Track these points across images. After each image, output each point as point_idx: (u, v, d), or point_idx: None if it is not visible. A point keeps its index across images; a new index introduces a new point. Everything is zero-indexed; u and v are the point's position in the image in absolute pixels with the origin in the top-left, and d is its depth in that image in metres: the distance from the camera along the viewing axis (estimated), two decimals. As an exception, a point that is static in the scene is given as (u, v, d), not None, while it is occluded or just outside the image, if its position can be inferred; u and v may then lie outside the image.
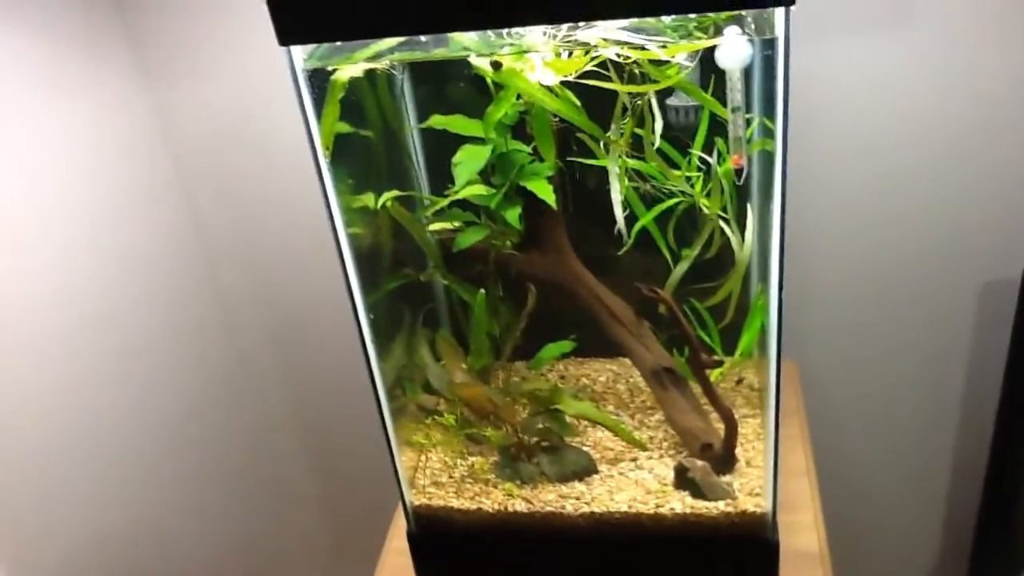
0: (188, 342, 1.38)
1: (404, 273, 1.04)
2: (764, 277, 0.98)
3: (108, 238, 1.21)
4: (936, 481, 1.50)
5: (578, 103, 0.84)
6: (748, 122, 0.81)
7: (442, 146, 0.96)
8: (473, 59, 0.80)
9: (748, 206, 0.96)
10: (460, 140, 0.94)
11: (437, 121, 0.95)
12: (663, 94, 0.91)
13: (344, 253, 0.84)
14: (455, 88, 0.96)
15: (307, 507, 1.69)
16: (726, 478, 0.97)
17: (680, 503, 0.95)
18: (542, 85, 0.81)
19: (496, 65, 0.79)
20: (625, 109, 0.88)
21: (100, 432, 1.21)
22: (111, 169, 1.22)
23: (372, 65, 0.81)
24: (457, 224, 0.99)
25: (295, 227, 1.36)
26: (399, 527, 1.12)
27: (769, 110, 0.74)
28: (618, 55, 0.79)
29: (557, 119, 0.87)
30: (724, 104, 0.82)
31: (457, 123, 0.94)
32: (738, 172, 0.84)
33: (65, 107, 1.15)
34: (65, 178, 1.15)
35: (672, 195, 0.95)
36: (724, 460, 0.97)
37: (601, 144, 0.92)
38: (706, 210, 0.95)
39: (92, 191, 1.19)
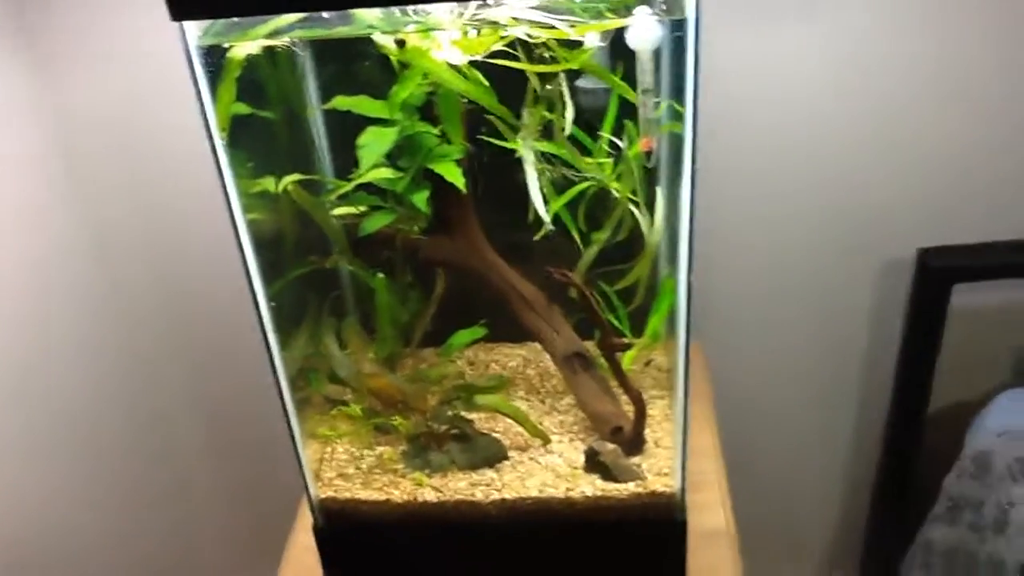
0: (84, 338, 1.32)
1: (308, 260, 1.00)
2: (672, 260, 0.98)
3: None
4: (834, 458, 1.55)
5: (487, 84, 0.82)
6: (657, 104, 0.81)
7: (347, 128, 0.93)
8: (377, 37, 0.77)
9: (658, 190, 0.96)
10: (366, 122, 0.91)
11: (341, 102, 0.91)
12: (573, 77, 0.91)
13: (242, 240, 0.81)
14: (360, 68, 0.93)
15: (213, 506, 1.63)
16: (635, 459, 0.97)
17: (591, 486, 0.95)
18: (449, 65, 0.79)
19: (400, 43, 0.76)
20: (536, 93, 0.87)
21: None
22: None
23: (271, 42, 0.77)
24: (363, 209, 0.97)
25: (193, 215, 1.31)
26: (304, 522, 1.09)
27: (678, 93, 0.74)
28: (528, 35, 0.77)
29: (466, 101, 0.85)
30: (633, 87, 0.82)
31: (362, 104, 0.91)
32: (648, 154, 0.84)
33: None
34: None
35: (583, 179, 0.95)
36: (633, 442, 0.97)
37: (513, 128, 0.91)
38: (616, 194, 0.94)
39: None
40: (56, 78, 1.22)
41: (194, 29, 0.71)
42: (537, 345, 1.14)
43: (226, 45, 0.74)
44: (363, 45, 0.86)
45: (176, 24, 0.70)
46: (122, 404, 1.40)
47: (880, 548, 1.53)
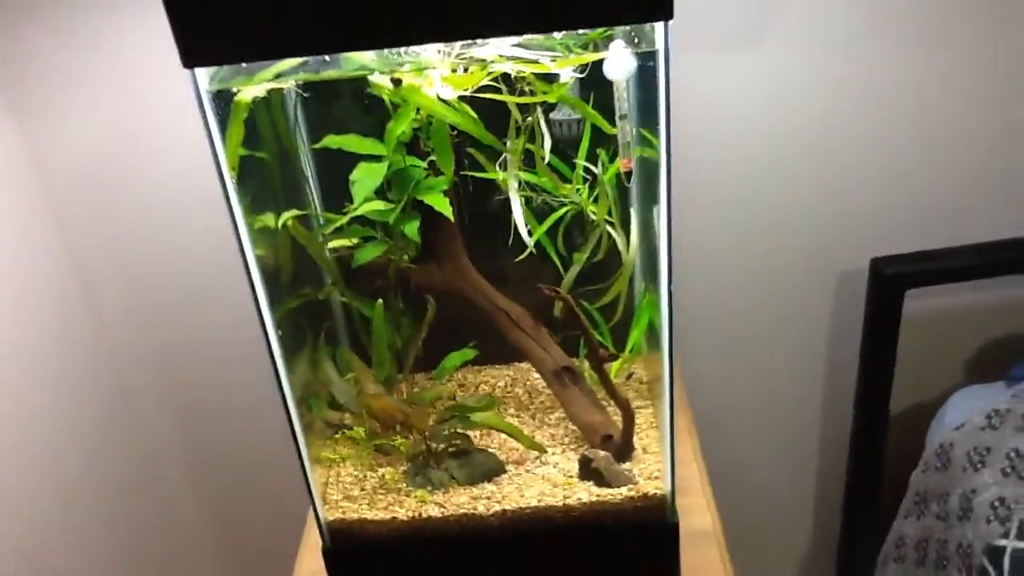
0: (68, 373, 1.34)
1: (303, 292, 1.05)
2: (649, 277, 1.05)
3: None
4: (805, 463, 1.62)
5: (476, 116, 0.89)
6: (633, 129, 0.88)
7: (331, 165, 0.99)
8: (374, 77, 0.83)
9: (632, 211, 1.03)
10: (350, 158, 0.96)
11: (332, 141, 0.97)
12: (548, 109, 0.97)
13: (252, 274, 0.85)
14: (345, 107, 0.98)
15: (201, 547, 1.64)
16: (625, 465, 1.02)
17: (586, 493, 1.00)
18: (441, 99, 0.85)
19: (397, 82, 0.82)
20: (517, 124, 0.93)
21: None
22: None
23: (276, 85, 0.82)
24: (355, 241, 1.02)
25: (177, 249, 1.35)
26: (309, 548, 1.13)
27: (646, 118, 0.80)
28: (512, 70, 0.84)
29: (455, 132, 0.91)
30: (606, 115, 0.89)
31: (352, 142, 0.97)
32: (627, 175, 0.91)
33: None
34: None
35: (562, 204, 1.01)
36: (623, 449, 1.03)
37: (496, 159, 0.97)
38: (593, 216, 1.01)
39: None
40: (36, 123, 1.26)
41: (204, 75, 0.76)
42: (523, 365, 1.20)
43: (234, 89, 0.79)
44: (353, 85, 0.92)
45: (186, 71, 0.75)
46: (107, 443, 1.42)
47: (855, 546, 1.60)
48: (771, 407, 1.55)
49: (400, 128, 0.88)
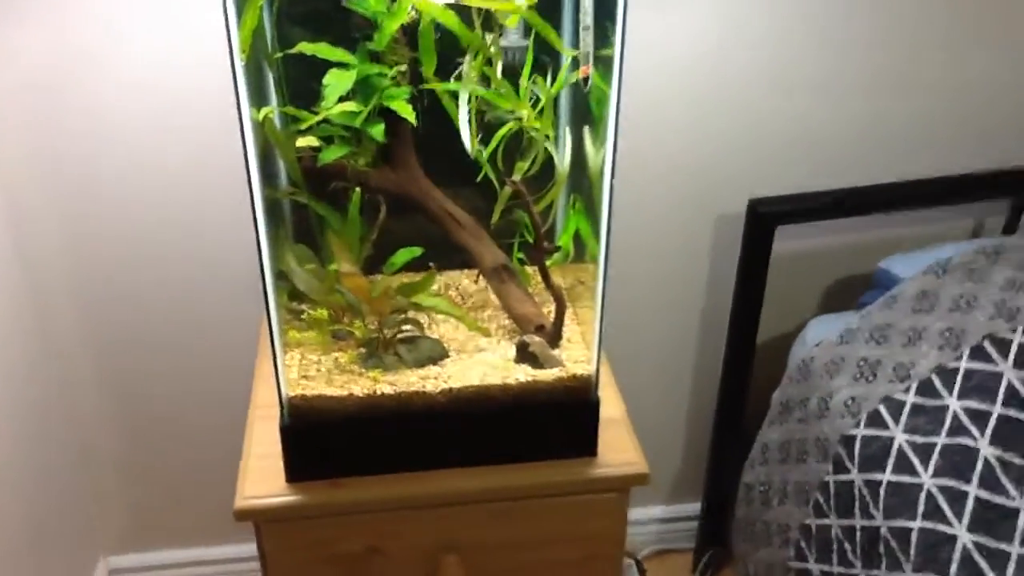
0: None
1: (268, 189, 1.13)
2: (575, 188, 1.20)
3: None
4: (683, 382, 1.81)
5: (458, 17, 1.01)
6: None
7: (295, 71, 1.08)
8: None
9: (567, 128, 1.17)
10: (313, 65, 1.05)
11: (305, 47, 1.06)
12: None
13: (250, 158, 0.94)
14: (316, 15, 1.07)
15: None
16: (555, 352, 1.17)
17: (523, 374, 1.13)
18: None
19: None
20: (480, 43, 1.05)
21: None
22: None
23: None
24: (318, 142, 1.10)
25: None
26: (253, 442, 1.20)
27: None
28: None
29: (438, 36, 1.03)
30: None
31: (323, 50, 1.06)
32: (585, 80, 1.05)
33: None
34: None
35: (508, 120, 1.13)
36: (553, 337, 1.17)
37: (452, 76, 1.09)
38: (534, 132, 1.14)
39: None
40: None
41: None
42: (455, 272, 1.32)
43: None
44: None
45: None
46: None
47: (722, 463, 1.80)
48: (653, 333, 1.73)
49: (394, 25, 0.98)
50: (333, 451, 1.13)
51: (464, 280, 1.31)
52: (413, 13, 1.01)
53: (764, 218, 1.58)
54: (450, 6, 1.02)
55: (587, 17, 0.99)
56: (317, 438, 1.12)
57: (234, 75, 0.88)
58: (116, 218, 1.46)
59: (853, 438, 1.37)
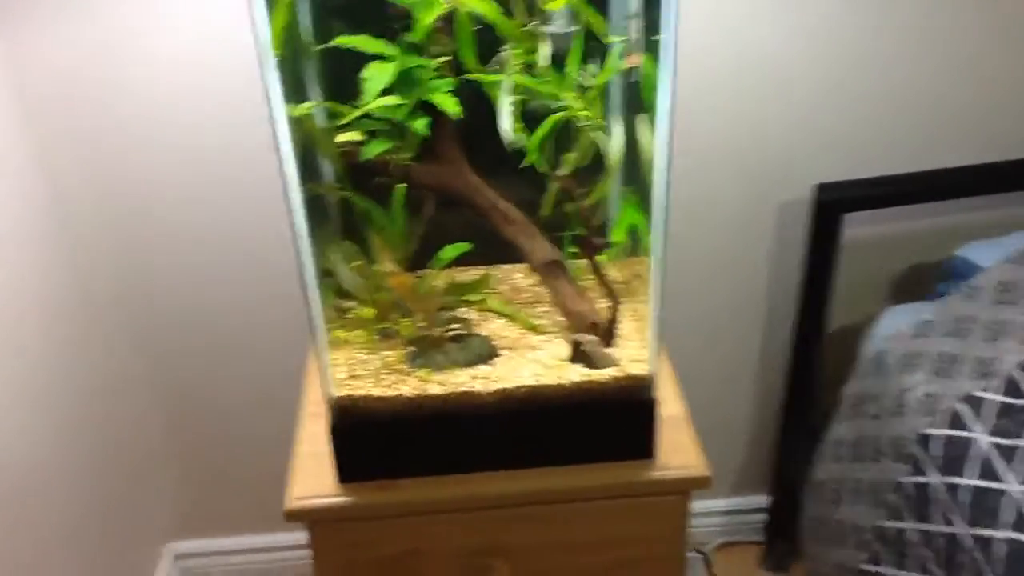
0: (42, 296, 1.38)
1: (308, 187, 1.11)
2: (629, 180, 1.15)
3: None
4: (746, 374, 1.75)
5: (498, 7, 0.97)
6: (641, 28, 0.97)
7: (333, 66, 1.04)
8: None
9: (617, 118, 1.12)
10: (351, 59, 1.02)
11: (344, 40, 1.03)
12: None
13: (284, 157, 0.91)
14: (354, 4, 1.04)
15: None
16: (609, 349, 1.12)
17: (576, 373, 1.09)
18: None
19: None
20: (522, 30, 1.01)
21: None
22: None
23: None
24: (362, 136, 1.07)
25: (154, 167, 1.42)
26: (303, 440, 1.18)
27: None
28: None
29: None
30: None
31: (362, 42, 1.03)
32: (634, 69, 1.00)
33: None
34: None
35: (552, 112, 1.09)
36: (608, 334, 1.12)
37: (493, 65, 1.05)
38: (585, 122, 1.09)
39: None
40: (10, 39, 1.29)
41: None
42: (506, 266, 1.28)
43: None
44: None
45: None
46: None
47: (789, 461, 1.74)
48: (716, 324, 1.67)
49: (431, 16, 0.95)
50: (382, 452, 1.11)
51: (516, 274, 1.27)
52: (448, 3, 0.97)
53: (831, 205, 1.51)
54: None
55: (633, 3, 0.93)
56: (365, 439, 1.10)
57: (263, 72, 0.85)
58: (168, 220, 1.47)
59: (930, 437, 1.29)
